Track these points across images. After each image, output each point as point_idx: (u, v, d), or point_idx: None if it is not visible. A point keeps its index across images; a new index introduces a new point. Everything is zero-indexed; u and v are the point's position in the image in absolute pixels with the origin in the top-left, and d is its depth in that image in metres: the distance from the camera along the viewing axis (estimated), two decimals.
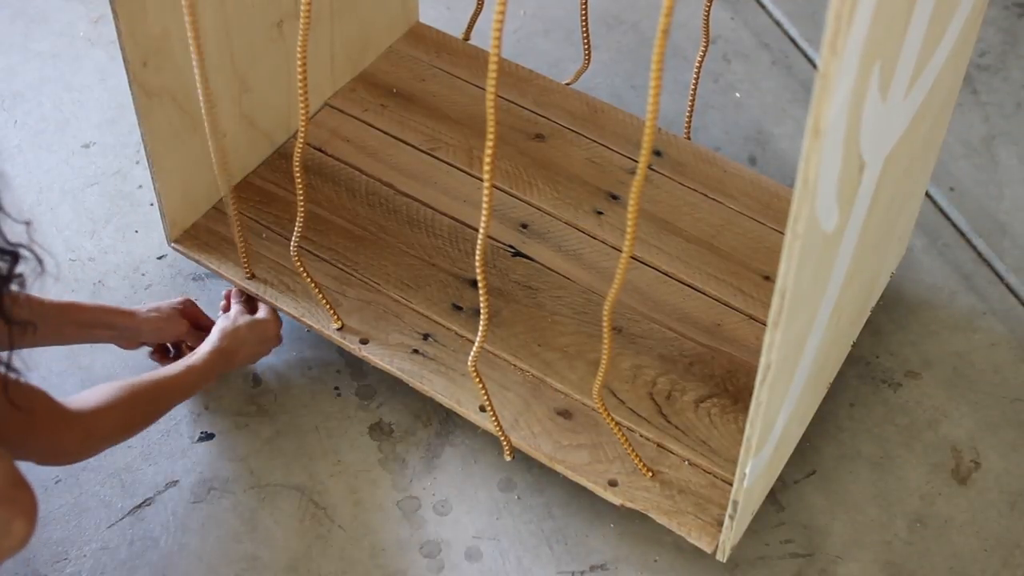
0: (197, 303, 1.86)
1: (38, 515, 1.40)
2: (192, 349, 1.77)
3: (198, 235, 1.90)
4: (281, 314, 1.84)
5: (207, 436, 1.82)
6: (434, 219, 1.94)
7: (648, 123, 1.22)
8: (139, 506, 1.75)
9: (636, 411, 1.73)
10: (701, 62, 1.97)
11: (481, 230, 1.40)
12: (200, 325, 1.84)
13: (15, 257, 1.31)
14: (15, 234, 1.32)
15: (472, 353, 1.58)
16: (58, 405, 1.50)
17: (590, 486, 1.66)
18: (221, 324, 1.77)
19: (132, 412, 1.62)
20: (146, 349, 1.84)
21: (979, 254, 2.09)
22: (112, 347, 1.89)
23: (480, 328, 1.53)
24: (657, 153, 2.04)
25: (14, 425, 1.39)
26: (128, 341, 1.79)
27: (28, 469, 1.55)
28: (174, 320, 1.80)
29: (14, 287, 1.32)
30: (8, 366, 1.33)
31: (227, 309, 1.84)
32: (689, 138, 2.08)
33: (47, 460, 1.57)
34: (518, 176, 2.00)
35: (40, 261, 1.34)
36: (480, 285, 1.47)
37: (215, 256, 1.87)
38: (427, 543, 1.73)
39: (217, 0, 1.74)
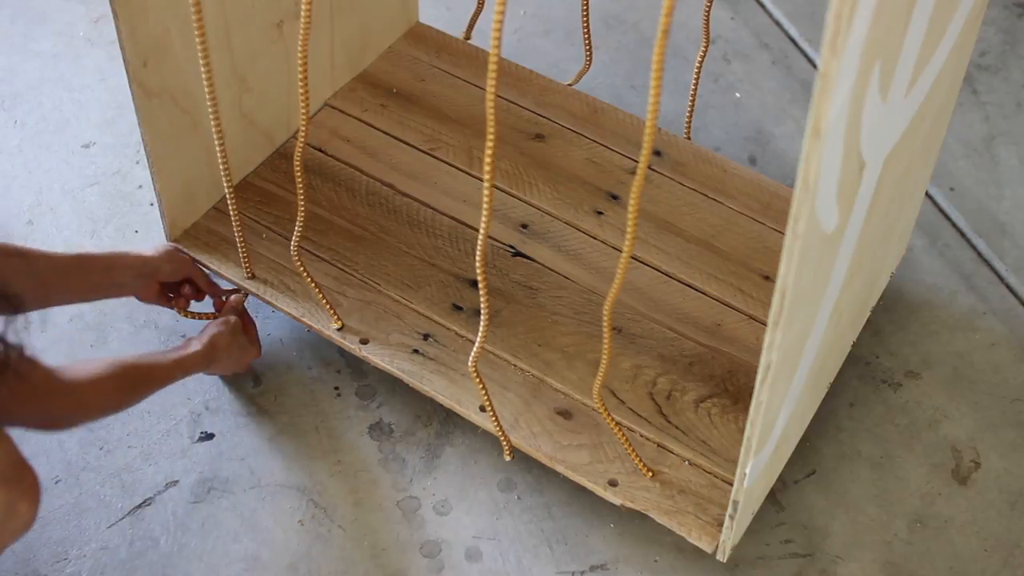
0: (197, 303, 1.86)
1: (41, 497, 1.40)
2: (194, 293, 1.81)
3: (198, 235, 1.90)
4: (281, 314, 1.84)
5: (207, 436, 1.83)
6: (434, 219, 1.94)
7: (648, 123, 1.22)
8: (139, 506, 1.75)
9: (636, 411, 1.73)
10: (701, 62, 1.97)
11: (481, 230, 1.40)
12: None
13: None
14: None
15: (473, 353, 1.58)
16: (52, 373, 1.49)
17: (590, 486, 1.66)
18: (217, 328, 1.77)
19: (122, 387, 1.61)
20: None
21: (979, 254, 2.09)
22: (112, 342, 1.89)
23: (481, 328, 1.53)
24: (657, 153, 2.04)
25: (8, 393, 1.38)
26: (147, 281, 1.75)
27: None
28: (178, 253, 1.79)
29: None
30: (5, 343, 1.31)
31: (217, 307, 1.85)
32: (689, 138, 2.08)
33: (39, 426, 1.55)
34: (518, 176, 2.00)
35: None
36: (480, 285, 1.47)
37: (215, 256, 1.87)
38: (427, 543, 1.73)
39: (217, 0, 1.74)
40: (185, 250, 1.85)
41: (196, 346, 1.73)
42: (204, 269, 1.85)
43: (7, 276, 1.44)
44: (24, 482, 1.38)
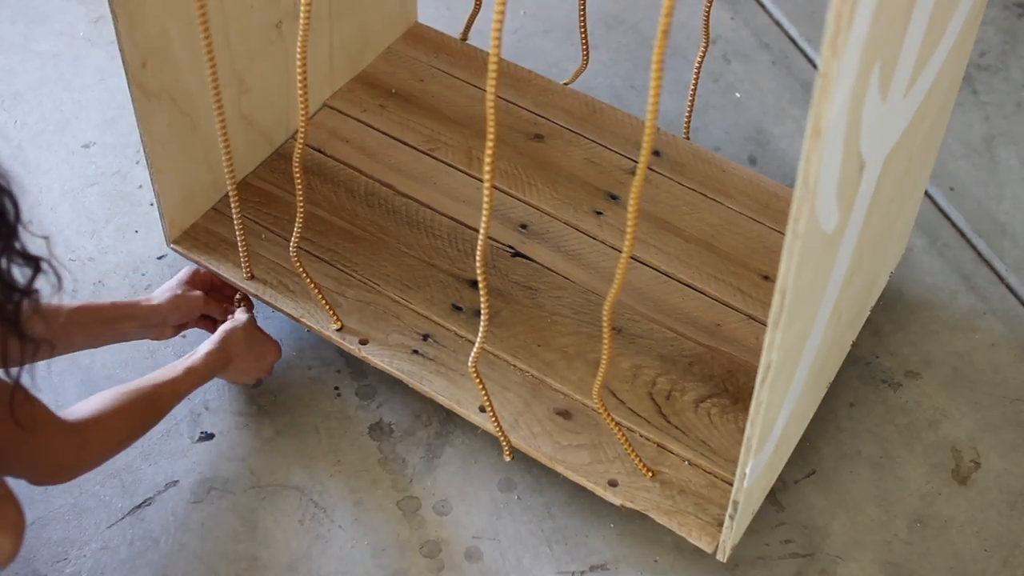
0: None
1: (24, 532, 1.38)
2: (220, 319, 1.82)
3: (197, 236, 1.89)
4: (281, 315, 1.83)
5: (207, 436, 1.82)
6: (433, 219, 1.94)
7: (648, 123, 1.21)
8: (139, 506, 1.75)
9: (636, 411, 1.73)
10: (701, 62, 1.97)
11: (481, 231, 1.39)
12: (215, 286, 1.84)
13: (36, 268, 1.27)
14: (35, 248, 1.29)
15: (472, 353, 1.58)
16: (55, 417, 1.45)
17: (590, 486, 1.66)
18: (227, 326, 1.75)
19: (131, 418, 1.58)
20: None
21: (979, 254, 2.09)
22: (113, 346, 1.89)
23: (480, 328, 1.53)
24: (656, 153, 2.04)
25: (12, 440, 1.36)
26: (157, 327, 1.76)
27: None
28: (188, 293, 1.79)
29: (30, 302, 1.27)
30: (17, 384, 1.30)
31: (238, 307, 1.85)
32: (688, 138, 2.08)
33: (44, 477, 1.51)
34: (517, 176, 2.00)
35: (59, 277, 1.31)
36: (481, 286, 1.47)
37: (214, 257, 1.87)
38: (427, 543, 1.73)
39: (216, 0, 1.74)
40: (200, 274, 1.84)
41: (208, 347, 1.71)
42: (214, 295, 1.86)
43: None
44: (7, 517, 1.35)
